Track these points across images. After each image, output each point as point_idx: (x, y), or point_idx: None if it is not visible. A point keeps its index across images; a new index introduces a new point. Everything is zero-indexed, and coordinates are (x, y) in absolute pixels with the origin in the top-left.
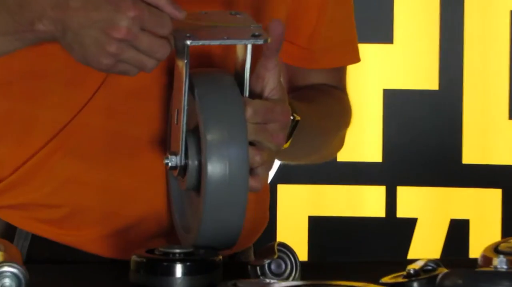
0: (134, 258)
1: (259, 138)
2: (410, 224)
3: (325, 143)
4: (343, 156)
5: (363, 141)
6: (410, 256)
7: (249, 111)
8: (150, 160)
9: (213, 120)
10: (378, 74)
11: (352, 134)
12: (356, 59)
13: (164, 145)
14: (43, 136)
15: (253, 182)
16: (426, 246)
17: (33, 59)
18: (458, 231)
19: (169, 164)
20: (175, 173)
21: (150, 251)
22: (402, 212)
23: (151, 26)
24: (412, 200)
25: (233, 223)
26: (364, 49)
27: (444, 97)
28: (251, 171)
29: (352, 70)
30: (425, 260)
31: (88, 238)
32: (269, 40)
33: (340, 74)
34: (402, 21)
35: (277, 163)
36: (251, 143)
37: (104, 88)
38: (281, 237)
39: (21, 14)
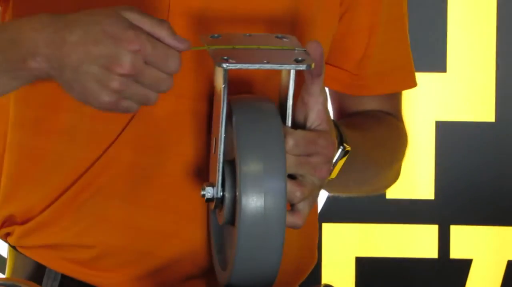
0: None
1: (301, 171)
2: (464, 265)
3: (378, 175)
4: (392, 193)
5: (414, 177)
6: None
7: (289, 142)
8: (185, 195)
9: (249, 151)
10: (430, 104)
11: (402, 169)
12: (412, 83)
13: (200, 178)
14: (71, 174)
15: (293, 218)
16: None
17: (57, 93)
18: None
19: (206, 195)
20: (212, 205)
21: None
22: (456, 252)
23: (154, 61)
24: (467, 240)
25: (269, 261)
26: (416, 78)
27: (501, 129)
28: (292, 207)
29: (403, 100)
30: None
31: (120, 280)
32: (312, 66)
33: (395, 101)
34: (456, 48)
35: (322, 200)
36: (293, 176)
37: (134, 121)
38: (326, 279)
39: (13, 51)
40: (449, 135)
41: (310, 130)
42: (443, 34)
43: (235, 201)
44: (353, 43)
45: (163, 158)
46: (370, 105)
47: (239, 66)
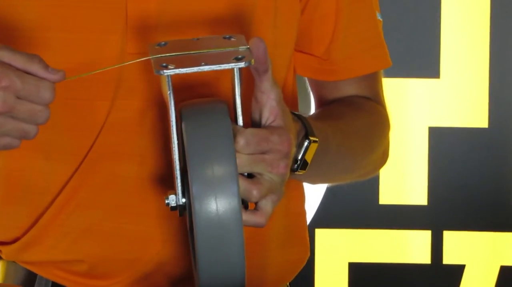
0: None
1: (257, 169)
2: (457, 271)
3: (358, 162)
4: (385, 198)
5: (407, 183)
6: None
7: (240, 142)
8: (160, 200)
9: (198, 155)
10: (424, 110)
11: (395, 175)
12: (384, 63)
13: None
14: (51, 191)
15: (255, 217)
16: None
17: None
18: (509, 278)
19: (170, 204)
20: (178, 213)
21: None
22: (448, 258)
23: (26, 95)
24: (460, 246)
25: (232, 262)
26: (409, 84)
27: (494, 135)
28: (255, 206)
29: (395, 106)
30: None
31: None
32: (252, 62)
33: (370, 83)
34: (450, 54)
35: (315, 206)
36: (252, 175)
37: (104, 130)
38: (319, 285)
39: None
40: (442, 140)
41: (264, 127)
42: (437, 40)
43: (191, 208)
44: (320, 28)
45: (134, 164)
46: (347, 90)
47: (177, 71)
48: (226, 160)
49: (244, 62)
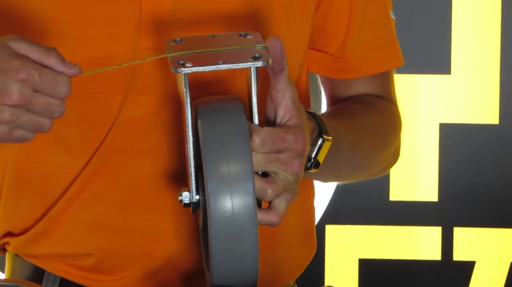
0: None
1: (271, 168)
2: (467, 267)
3: (370, 161)
4: (396, 195)
5: (418, 179)
6: None
7: (256, 141)
8: (172, 196)
9: (214, 153)
10: (434, 107)
11: (405, 172)
12: (397, 62)
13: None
14: (62, 183)
15: (268, 216)
16: None
17: None
18: None
19: (183, 201)
20: (191, 210)
21: None
22: (459, 254)
23: (43, 89)
24: (470, 242)
25: (246, 260)
26: (420, 80)
27: (505, 131)
28: (268, 204)
29: (406, 103)
30: None
31: (121, 283)
32: (270, 62)
33: (382, 82)
34: (461, 50)
35: (325, 203)
36: (266, 174)
37: (116, 124)
38: (329, 281)
39: None
40: (453, 137)
41: (279, 126)
42: (448, 36)
43: (205, 205)
44: (334, 26)
45: (147, 159)
46: (359, 88)
47: (194, 69)
48: (242, 158)
49: (261, 62)
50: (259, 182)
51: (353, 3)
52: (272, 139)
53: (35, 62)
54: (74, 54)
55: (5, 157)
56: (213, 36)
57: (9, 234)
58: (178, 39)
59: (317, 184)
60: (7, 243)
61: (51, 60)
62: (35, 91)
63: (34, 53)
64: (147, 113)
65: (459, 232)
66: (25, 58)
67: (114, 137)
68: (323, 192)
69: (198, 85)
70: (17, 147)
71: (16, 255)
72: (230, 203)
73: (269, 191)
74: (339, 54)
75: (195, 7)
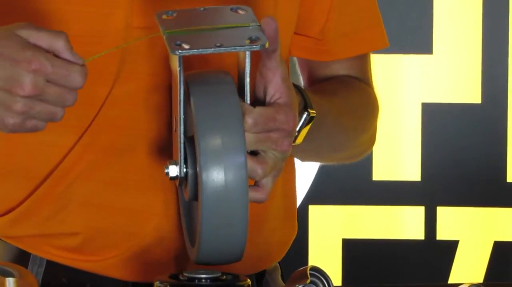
0: (157, 284)
1: (262, 147)
2: (451, 246)
3: (349, 140)
4: (378, 174)
5: (400, 159)
6: (451, 280)
7: (248, 121)
8: (159, 174)
9: (208, 128)
10: (416, 86)
11: (388, 151)
12: (381, 44)
13: (167, 155)
14: (49, 163)
15: (256, 193)
16: (468, 270)
17: None
18: (502, 254)
19: (169, 174)
20: (177, 183)
21: (174, 276)
22: (442, 234)
23: (56, 79)
24: (453, 221)
25: (235, 235)
26: (401, 60)
27: (487, 111)
28: (255, 182)
29: (388, 83)
30: (468, 285)
31: (108, 263)
32: (266, 45)
33: (361, 63)
34: (442, 30)
35: (308, 183)
36: (254, 153)
37: (107, 104)
38: (313, 261)
39: None
40: (435, 116)
41: (269, 104)
42: (429, 16)
43: (197, 177)
44: (315, 8)
45: (136, 137)
46: (338, 70)
47: (192, 51)
48: (236, 134)
49: (259, 46)
50: (249, 162)
51: None
52: (264, 119)
53: (47, 51)
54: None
55: None
56: (204, 9)
57: None
58: (170, 12)
59: (299, 165)
60: None
61: (59, 46)
62: (47, 81)
63: (44, 39)
64: (138, 92)
65: (442, 212)
66: (37, 47)
67: (104, 116)
68: (306, 173)
69: (186, 59)
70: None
71: (0, 240)
72: (222, 176)
73: (259, 171)
74: (320, 36)
75: None
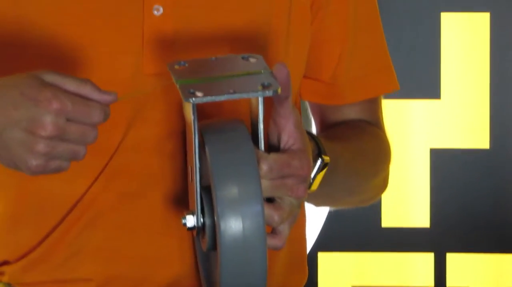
0: None
1: (277, 194)
2: None
3: (362, 185)
4: (387, 221)
5: (409, 205)
6: None
7: (263, 168)
8: (173, 220)
9: (224, 177)
10: (425, 132)
11: (397, 198)
12: (392, 87)
13: (183, 204)
14: (61, 210)
15: (273, 241)
16: None
17: None
18: None
19: (187, 224)
20: (194, 233)
21: None
22: (452, 281)
23: (77, 117)
24: (463, 268)
25: (254, 283)
26: (409, 105)
27: (496, 156)
28: (272, 229)
29: (396, 128)
30: None
31: None
32: (279, 91)
33: (372, 107)
34: (450, 75)
35: (317, 229)
36: (270, 200)
37: (118, 152)
38: None
39: None
40: (444, 162)
41: (284, 151)
42: (437, 61)
43: (215, 227)
44: (326, 53)
45: (150, 183)
46: (350, 114)
47: (206, 99)
48: (252, 182)
49: (272, 91)
50: (267, 208)
51: (345, 27)
52: (279, 165)
53: (67, 91)
54: None
55: (0, 187)
56: (215, 59)
57: (5, 262)
58: (182, 62)
59: (309, 211)
60: (2, 273)
61: (87, 89)
62: (68, 119)
63: (70, 84)
64: (152, 139)
65: (451, 258)
66: (57, 87)
67: (117, 162)
68: (316, 219)
69: (199, 106)
70: (16, 175)
71: (11, 285)
72: (240, 225)
73: (276, 217)
74: (332, 80)
75: (197, 31)
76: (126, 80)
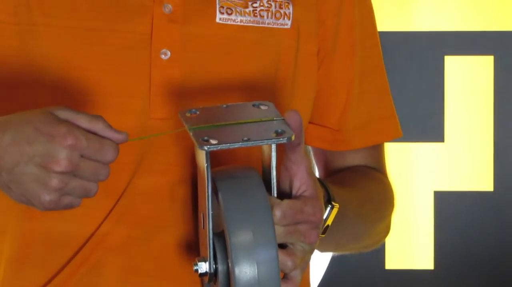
0: None
1: (290, 240)
2: None
3: (367, 231)
4: (391, 263)
5: (413, 247)
6: None
7: (277, 214)
8: (181, 263)
9: (238, 223)
10: (428, 174)
11: (401, 240)
12: (395, 133)
13: (193, 249)
14: (67, 252)
15: (287, 286)
16: None
17: None
18: None
19: (199, 271)
20: (206, 279)
21: None
22: None
23: (91, 154)
24: None
25: None
26: (413, 148)
27: (500, 198)
28: (284, 274)
29: (400, 171)
30: None
31: None
32: (293, 138)
33: (376, 153)
34: (454, 117)
35: (322, 270)
36: (282, 245)
37: (126, 194)
38: None
39: None
40: (447, 204)
41: (296, 197)
42: (441, 104)
43: (228, 274)
44: (332, 99)
45: (156, 229)
46: (354, 160)
47: (220, 146)
48: (266, 228)
49: (286, 138)
50: (280, 254)
51: (350, 74)
52: (292, 212)
53: (80, 127)
54: None
55: (5, 227)
56: (227, 106)
57: None
58: (193, 110)
59: (313, 254)
60: None
61: (100, 126)
62: (82, 156)
63: (82, 120)
64: (160, 184)
65: None
66: (71, 123)
67: (125, 205)
68: (319, 261)
69: (213, 152)
70: (19, 217)
71: None
72: (255, 271)
73: (289, 263)
74: (337, 126)
75: (204, 78)
76: (133, 124)
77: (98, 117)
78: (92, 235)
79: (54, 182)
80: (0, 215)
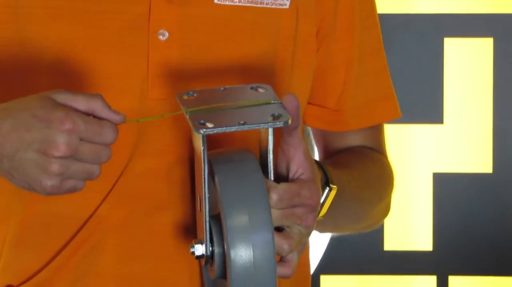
0: None
1: (287, 223)
2: None
3: (368, 211)
4: (390, 244)
5: (412, 229)
6: None
7: (273, 198)
8: (178, 245)
9: (234, 206)
10: (427, 156)
11: (400, 221)
12: (394, 114)
13: (191, 231)
14: (65, 234)
15: (283, 269)
16: None
17: None
18: None
19: (195, 253)
20: (203, 261)
21: None
22: None
23: (90, 136)
24: None
25: None
26: (412, 130)
27: (499, 180)
28: (281, 257)
29: (399, 153)
30: None
31: None
32: (289, 122)
33: (375, 133)
34: (453, 99)
35: (320, 253)
36: (279, 229)
37: (123, 177)
38: None
39: None
40: (446, 186)
41: (293, 180)
42: (440, 85)
43: (224, 256)
44: (331, 79)
45: (153, 210)
46: (353, 140)
47: (216, 130)
48: (262, 211)
49: (282, 122)
50: (276, 237)
51: (349, 55)
52: (289, 195)
53: (79, 111)
54: None
55: (8, 211)
56: (224, 89)
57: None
58: (191, 92)
59: (312, 234)
60: None
61: (98, 105)
62: (81, 139)
63: (81, 102)
64: (159, 165)
65: (454, 281)
66: (69, 107)
67: (122, 186)
68: (318, 242)
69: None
70: (20, 200)
71: None
72: (251, 254)
73: (286, 246)
74: (336, 106)
75: (202, 59)
76: (131, 105)
77: (97, 96)
78: (90, 217)
79: (54, 167)
80: (4, 200)
